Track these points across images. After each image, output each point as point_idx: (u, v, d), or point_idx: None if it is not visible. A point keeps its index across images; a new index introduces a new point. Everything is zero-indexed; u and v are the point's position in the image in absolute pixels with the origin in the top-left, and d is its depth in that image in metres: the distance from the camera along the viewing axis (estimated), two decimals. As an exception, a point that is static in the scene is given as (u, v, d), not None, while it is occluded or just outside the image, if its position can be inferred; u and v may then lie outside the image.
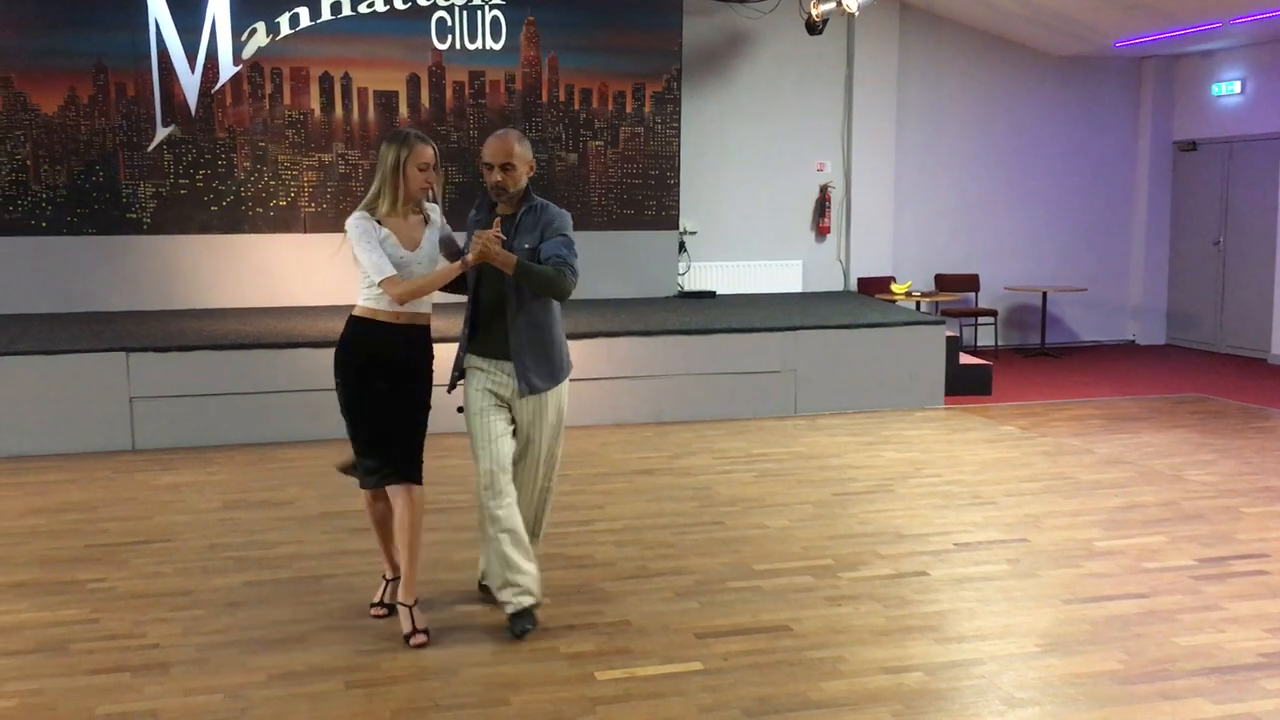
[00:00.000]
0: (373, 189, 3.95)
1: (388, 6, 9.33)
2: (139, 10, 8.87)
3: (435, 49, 9.49)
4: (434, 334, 4.09)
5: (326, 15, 9.22)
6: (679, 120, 10.08)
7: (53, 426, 6.98)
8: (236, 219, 9.21)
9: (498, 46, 9.62)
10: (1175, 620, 4.17)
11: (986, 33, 11.30)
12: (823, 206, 10.96)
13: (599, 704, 3.47)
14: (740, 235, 10.79)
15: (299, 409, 7.29)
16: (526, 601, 4.01)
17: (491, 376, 4.04)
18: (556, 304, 4.07)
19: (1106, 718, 3.39)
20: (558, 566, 4.71)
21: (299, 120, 9.28)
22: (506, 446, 4.02)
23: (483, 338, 4.05)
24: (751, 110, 10.69)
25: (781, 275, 10.88)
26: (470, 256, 3.80)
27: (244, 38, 9.10)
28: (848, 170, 10.99)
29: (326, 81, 9.30)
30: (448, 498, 5.82)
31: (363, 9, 9.28)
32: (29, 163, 8.80)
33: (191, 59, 9.02)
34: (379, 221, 3.92)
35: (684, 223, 10.42)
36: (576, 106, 9.85)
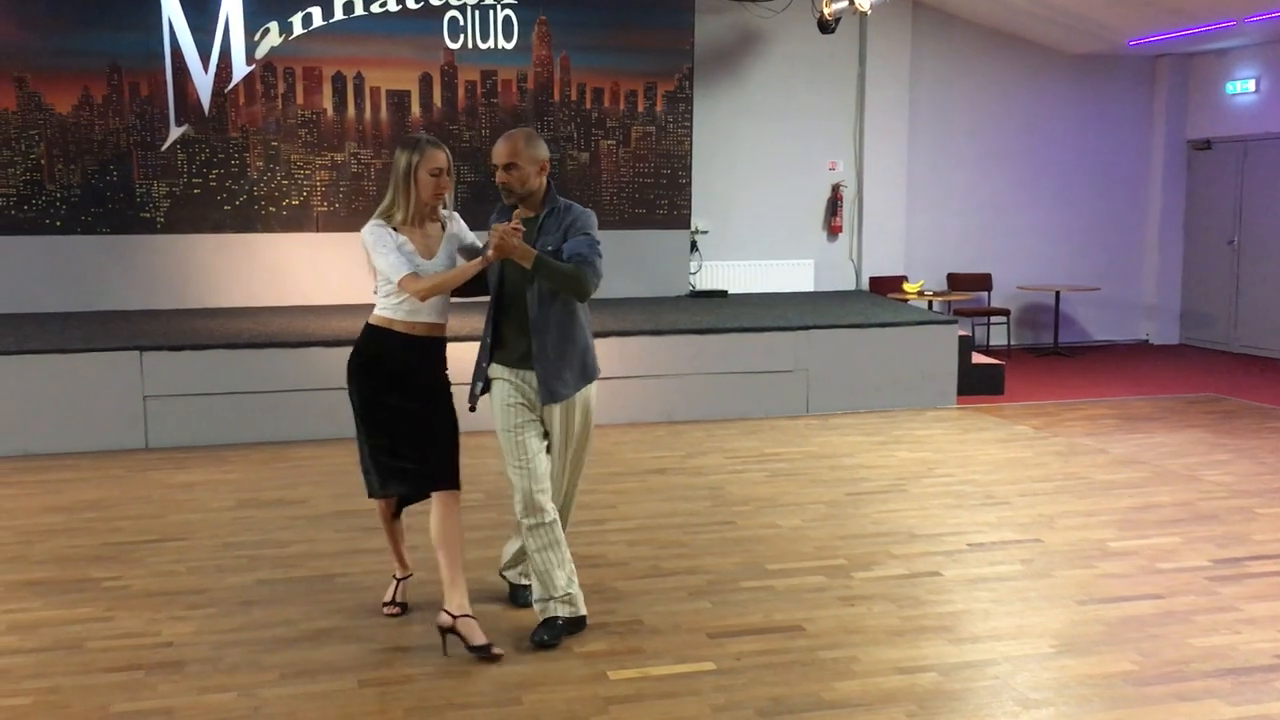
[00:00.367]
0: (387, 197, 3.88)
1: (400, 6, 9.35)
2: (153, 10, 8.90)
3: (447, 48, 9.50)
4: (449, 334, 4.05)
5: (339, 15, 9.24)
6: (691, 119, 10.08)
7: (67, 425, 7.01)
8: (249, 218, 9.24)
9: (510, 46, 9.62)
10: (1190, 621, 4.15)
11: (999, 31, 11.26)
12: (835, 205, 10.94)
13: (612, 703, 3.47)
14: (752, 234, 10.78)
15: (312, 408, 7.31)
16: (562, 611, 3.94)
17: (518, 387, 3.92)
18: (583, 305, 3.94)
19: (1121, 719, 3.37)
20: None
21: (312, 120, 9.30)
22: (543, 465, 3.91)
23: (506, 345, 3.93)
24: (763, 109, 10.68)
25: (793, 274, 10.86)
26: (490, 251, 3.71)
27: (257, 37, 9.12)
28: (860, 169, 10.97)
29: (339, 81, 9.32)
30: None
31: (375, 9, 9.30)
32: (43, 162, 8.84)
33: (205, 59, 9.05)
34: (394, 229, 3.85)
35: (696, 222, 10.41)
36: (588, 106, 9.85)
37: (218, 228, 9.18)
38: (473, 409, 4.02)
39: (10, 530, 5.35)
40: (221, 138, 9.15)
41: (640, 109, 9.94)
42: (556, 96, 9.77)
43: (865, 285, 10.99)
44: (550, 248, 3.82)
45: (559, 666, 3.75)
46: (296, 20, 9.17)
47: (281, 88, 9.22)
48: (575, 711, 3.41)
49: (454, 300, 3.97)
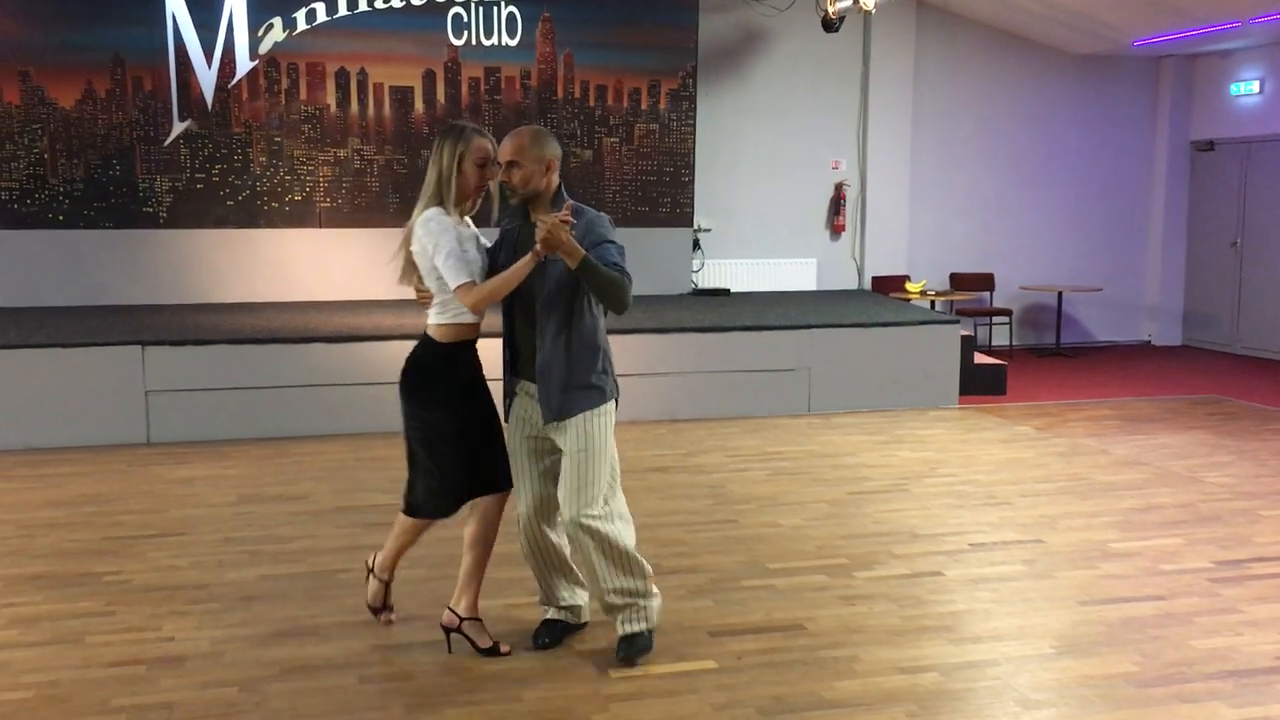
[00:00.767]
0: (430, 187, 3.64)
1: (404, 2, 9.34)
2: (156, 5, 8.90)
3: (451, 45, 9.49)
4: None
5: (343, 10, 9.23)
6: (694, 117, 10.07)
7: (69, 419, 7.01)
8: (252, 214, 9.24)
9: (513, 43, 9.62)
10: (1192, 623, 4.15)
11: (1003, 31, 11.25)
12: (838, 204, 10.94)
13: (612, 701, 3.47)
14: (755, 233, 10.77)
15: (313, 404, 7.31)
16: (562, 617, 3.93)
17: (525, 403, 3.72)
18: (597, 318, 3.66)
19: (1123, 720, 3.37)
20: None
21: (315, 115, 9.30)
22: (537, 488, 3.75)
23: (520, 355, 3.72)
24: (767, 108, 10.67)
25: (796, 273, 10.85)
26: (538, 246, 3.41)
27: (260, 33, 9.12)
28: (863, 168, 10.96)
29: (343, 77, 9.32)
30: (461, 493, 5.83)
31: (379, 4, 9.29)
32: (46, 156, 8.84)
33: (208, 54, 9.05)
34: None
35: (698, 220, 10.41)
36: (592, 103, 9.84)
37: (220, 223, 9.18)
38: (507, 421, 3.84)
39: (11, 524, 5.35)
40: (225, 133, 9.15)
41: (644, 107, 9.93)
42: (560, 94, 9.77)
43: (868, 285, 10.99)
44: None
45: (560, 664, 3.75)
46: (300, 16, 9.17)
47: (285, 83, 9.21)
48: (576, 709, 3.40)
49: None
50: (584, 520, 3.57)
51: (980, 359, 9.12)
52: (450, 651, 3.80)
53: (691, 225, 10.23)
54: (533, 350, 3.65)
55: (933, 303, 10.19)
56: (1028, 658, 3.82)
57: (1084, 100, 11.62)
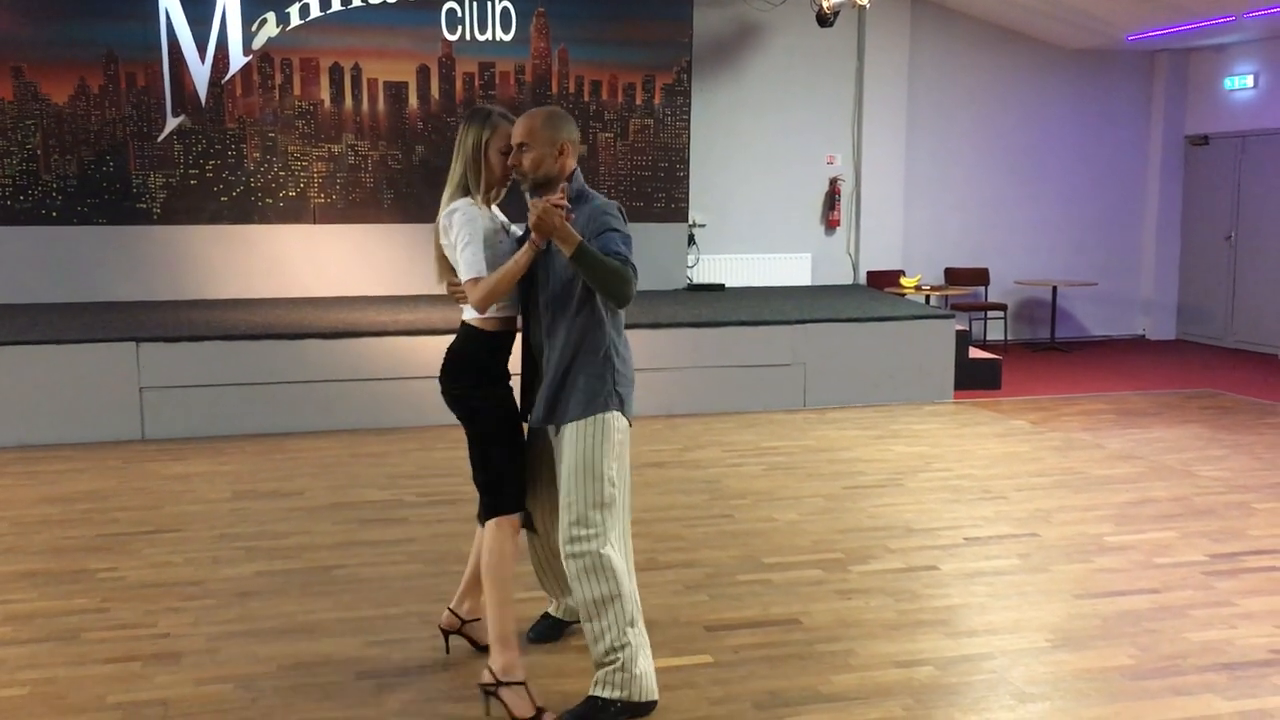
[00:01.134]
0: (455, 176, 3.46)
1: (398, -3, 9.33)
2: (149, 0, 8.87)
3: (445, 40, 9.48)
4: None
5: (336, 6, 9.22)
6: (689, 112, 10.07)
7: (63, 416, 7.00)
8: (246, 209, 9.22)
9: (508, 38, 9.60)
10: (1187, 616, 4.16)
11: (998, 26, 11.25)
12: (833, 199, 10.94)
13: (609, 696, 3.46)
14: (750, 228, 10.77)
15: (308, 400, 7.30)
16: (550, 608, 3.89)
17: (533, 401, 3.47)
18: (604, 318, 3.34)
19: (1117, 713, 3.38)
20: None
21: (309, 111, 9.28)
22: (540, 491, 3.58)
23: (532, 351, 3.50)
24: (762, 103, 10.67)
25: (791, 268, 10.85)
26: (534, 234, 3.19)
27: (254, 28, 9.10)
28: (858, 163, 10.96)
29: (336, 72, 9.30)
30: (456, 489, 5.83)
31: (373, 0, 9.27)
32: (39, 152, 8.82)
33: (202, 49, 9.02)
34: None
35: (693, 215, 10.40)
36: (586, 98, 9.83)
37: (214, 219, 9.17)
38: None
39: (6, 521, 5.34)
40: (218, 129, 9.13)
41: (638, 102, 9.93)
42: (554, 89, 9.76)
43: (863, 279, 10.99)
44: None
45: (556, 659, 3.75)
46: (294, 11, 9.15)
47: (279, 79, 9.19)
48: (572, 704, 3.40)
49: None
50: (565, 542, 3.30)
51: (975, 353, 9.13)
52: (448, 653, 3.78)
53: (686, 220, 10.23)
54: (538, 342, 3.44)
55: (928, 297, 10.20)
56: (1023, 651, 3.83)
57: (1078, 95, 11.63)
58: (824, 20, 9.69)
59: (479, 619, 3.78)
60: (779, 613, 4.17)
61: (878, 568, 4.69)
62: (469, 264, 3.32)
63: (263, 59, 9.15)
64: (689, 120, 10.08)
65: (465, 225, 3.35)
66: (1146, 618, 4.13)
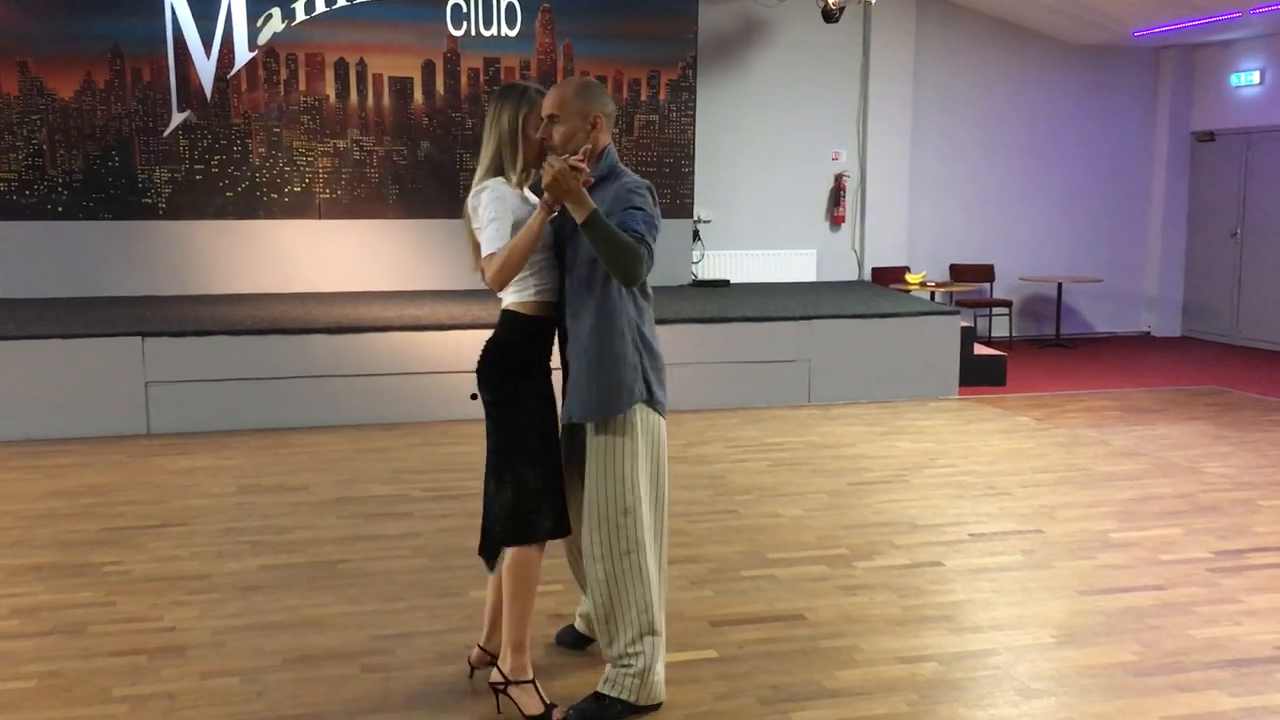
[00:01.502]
0: (487, 157, 3.27)
1: (403, -8, 9.33)
2: (155, -5, 8.89)
3: (450, 35, 9.47)
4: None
5: (341, 1, 9.21)
6: (694, 108, 10.06)
7: (69, 410, 7.01)
8: (251, 205, 9.23)
9: (513, 33, 9.60)
10: (1191, 612, 4.15)
11: (1004, 21, 11.23)
12: (838, 196, 10.93)
13: (614, 691, 3.46)
14: (755, 224, 10.76)
15: (313, 394, 7.31)
16: (578, 624, 3.73)
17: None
18: (627, 303, 3.17)
19: (1121, 709, 3.38)
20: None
21: (314, 106, 9.28)
22: (577, 488, 3.40)
23: (564, 336, 3.29)
24: (767, 99, 10.65)
25: (796, 264, 10.85)
26: (546, 194, 3.01)
27: (259, 23, 9.10)
28: (863, 159, 10.95)
29: (342, 67, 9.30)
30: (461, 484, 5.83)
31: (378, -5, 9.28)
32: (45, 147, 8.83)
33: (207, 44, 9.03)
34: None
35: (698, 211, 10.40)
36: (591, 94, 9.81)
37: (220, 214, 9.17)
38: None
39: (12, 515, 5.36)
40: (224, 124, 9.13)
41: (643, 97, 9.92)
42: (559, 84, 9.74)
43: (867, 276, 10.98)
44: None
45: (561, 654, 3.75)
46: (299, 6, 9.14)
47: (284, 74, 9.19)
48: (577, 699, 3.40)
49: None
50: (585, 546, 3.22)
51: (980, 350, 9.12)
52: (471, 678, 3.55)
53: (691, 216, 10.22)
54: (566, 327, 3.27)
55: (932, 294, 10.19)
56: (1027, 647, 3.83)
57: (1084, 91, 11.60)
58: (829, 16, 9.68)
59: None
60: (784, 608, 4.17)
61: (882, 563, 4.69)
62: (489, 240, 3.14)
63: (268, 54, 9.15)
64: (694, 116, 10.07)
65: (494, 203, 3.17)
66: (1151, 614, 4.13)
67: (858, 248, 11.08)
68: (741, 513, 5.43)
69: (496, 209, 3.15)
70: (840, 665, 3.67)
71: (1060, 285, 11.27)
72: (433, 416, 7.39)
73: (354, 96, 9.35)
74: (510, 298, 3.26)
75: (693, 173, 10.13)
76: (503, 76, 9.59)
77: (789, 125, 10.73)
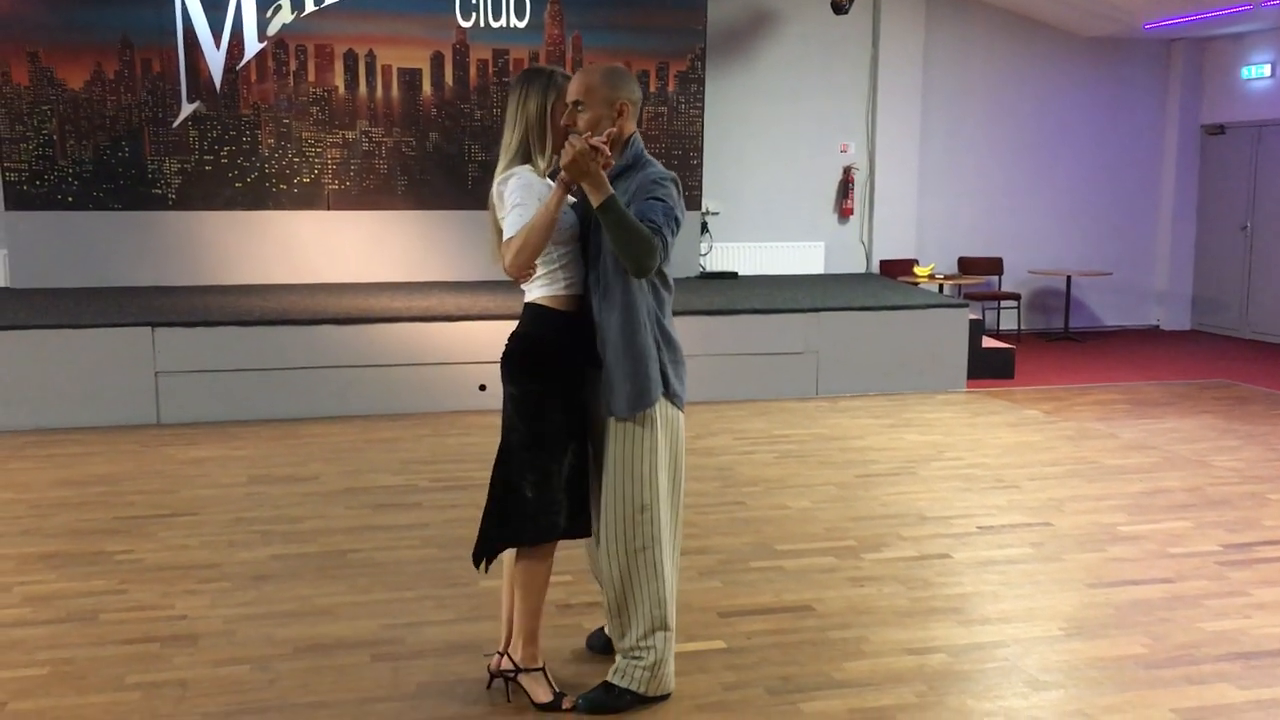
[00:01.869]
0: (512, 145, 3.17)
1: (412, -17, 9.33)
2: (165, -14, 8.90)
3: (459, 27, 9.47)
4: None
5: (351, -8, 9.22)
6: (703, 100, 10.05)
7: (79, 400, 7.04)
8: (260, 195, 9.24)
9: (522, 25, 9.59)
10: (1201, 605, 4.15)
11: (1014, 13, 11.20)
12: (846, 188, 10.91)
13: (623, 680, 3.48)
14: (763, 216, 10.76)
15: (322, 385, 7.33)
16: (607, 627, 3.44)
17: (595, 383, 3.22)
18: (648, 297, 3.15)
19: (1130, 701, 3.38)
20: (580, 544, 4.71)
21: (323, 97, 9.29)
22: (596, 481, 3.34)
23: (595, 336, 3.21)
24: (776, 90, 10.64)
25: (804, 257, 10.84)
26: (563, 173, 2.96)
27: (269, 14, 9.10)
28: (872, 152, 10.93)
29: (351, 59, 9.30)
30: (469, 475, 5.85)
31: (387, -14, 9.28)
32: (55, 138, 8.85)
33: (217, 35, 9.04)
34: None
35: (707, 203, 10.39)
36: (600, 85, 9.80)
37: (229, 205, 9.19)
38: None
39: (24, 503, 5.39)
40: (233, 115, 9.15)
41: (652, 89, 9.91)
42: (568, 76, 9.73)
43: (876, 268, 10.97)
44: None
45: (570, 644, 3.77)
46: (308, -3, 9.16)
47: (293, 65, 9.20)
48: (586, 688, 3.42)
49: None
50: (601, 542, 3.22)
51: (988, 343, 9.10)
52: (489, 689, 3.44)
53: (700, 208, 10.22)
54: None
55: (941, 286, 10.17)
56: (1036, 639, 3.84)
57: (1094, 83, 11.57)
58: (839, 8, 9.66)
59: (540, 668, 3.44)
60: (792, 599, 4.18)
61: (890, 555, 4.70)
62: (511, 225, 3.05)
63: (277, 45, 9.16)
64: (703, 108, 10.06)
65: (520, 189, 3.08)
66: (1160, 607, 4.13)
67: (866, 240, 11.07)
68: (749, 504, 5.44)
69: (522, 195, 3.07)
70: (848, 656, 3.68)
71: (1069, 278, 11.25)
72: (441, 407, 7.40)
73: (363, 88, 9.35)
74: (539, 291, 3.18)
75: (701, 164, 10.13)
76: (512, 68, 9.59)
77: (797, 117, 10.72)
